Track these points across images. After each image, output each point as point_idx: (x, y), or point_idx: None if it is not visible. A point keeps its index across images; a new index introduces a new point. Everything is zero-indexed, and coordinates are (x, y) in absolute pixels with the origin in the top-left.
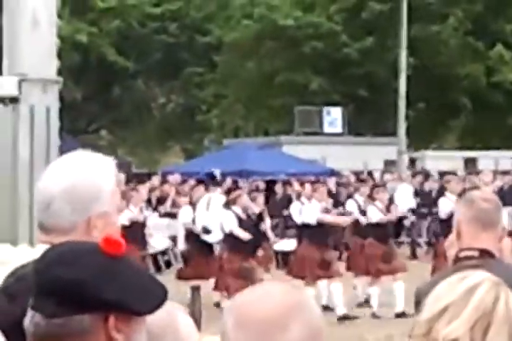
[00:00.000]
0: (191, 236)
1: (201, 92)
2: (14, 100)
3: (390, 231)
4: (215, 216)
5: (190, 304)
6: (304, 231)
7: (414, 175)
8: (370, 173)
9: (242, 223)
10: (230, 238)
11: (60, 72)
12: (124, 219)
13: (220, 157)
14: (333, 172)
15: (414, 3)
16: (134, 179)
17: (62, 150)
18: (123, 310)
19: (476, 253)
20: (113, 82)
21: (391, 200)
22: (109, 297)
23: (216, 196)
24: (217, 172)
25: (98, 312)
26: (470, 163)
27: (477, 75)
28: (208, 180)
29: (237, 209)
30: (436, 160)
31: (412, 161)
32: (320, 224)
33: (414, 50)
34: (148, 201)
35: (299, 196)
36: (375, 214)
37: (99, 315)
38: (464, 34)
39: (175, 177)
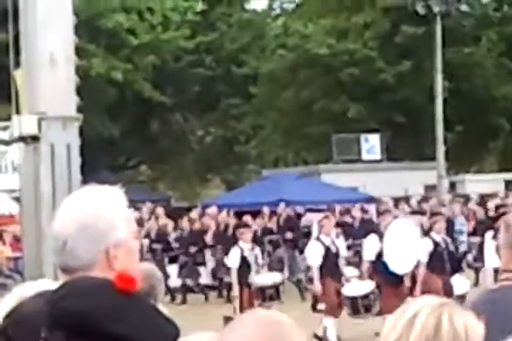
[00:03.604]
0: (378, 268)
1: (239, 124)
2: (35, 138)
3: None
4: (408, 244)
5: None
6: None
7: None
8: (407, 199)
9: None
10: (431, 260)
11: (80, 110)
12: (312, 260)
13: (259, 187)
14: (372, 199)
15: (447, 25)
16: (174, 213)
17: None
18: None
19: (511, 275)
20: (150, 116)
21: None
22: (117, 331)
23: (404, 222)
24: None
25: None
26: (510, 186)
27: None
28: None
29: (436, 235)
30: (477, 183)
31: (453, 185)
32: None
33: (449, 73)
34: (191, 234)
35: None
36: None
37: None
38: (498, 55)
39: (212, 210)
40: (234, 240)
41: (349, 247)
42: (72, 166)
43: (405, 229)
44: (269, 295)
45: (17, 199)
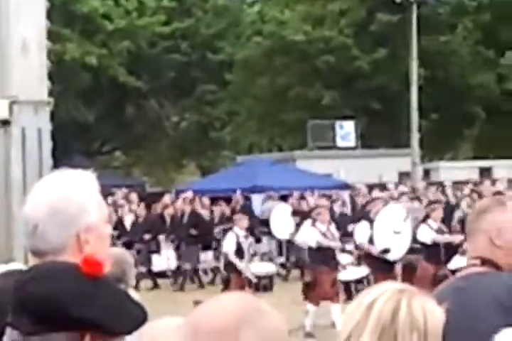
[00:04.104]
0: (370, 255)
1: (214, 110)
2: (6, 122)
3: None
4: (397, 230)
5: None
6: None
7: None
8: (383, 185)
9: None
10: (427, 248)
11: (53, 94)
12: (312, 240)
13: (233, 173)
14: (346, 186)
15: (423, 13)
16: (148, 198)
17: None
18: (99, 329)
19: (477, 262)
20: (125, 102)
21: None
22: (82, 316)
23: (395, 208)
24: None
25: (74, 331)
26: (485, 173)
27: (489, 84)
28: None
29: (433, 223)
30: (451, 170)
31: (427, 172)
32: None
33: (424, 60)
34: (162, 219)
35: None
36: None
37: (76, 334)
38: (473, 43)
39: (187, 195)
40: (189, 227)
41: None
42: (43, 150)
43: (396, 215)
44: (263, 285)
45: None
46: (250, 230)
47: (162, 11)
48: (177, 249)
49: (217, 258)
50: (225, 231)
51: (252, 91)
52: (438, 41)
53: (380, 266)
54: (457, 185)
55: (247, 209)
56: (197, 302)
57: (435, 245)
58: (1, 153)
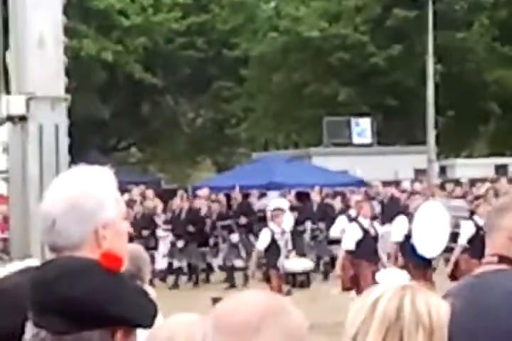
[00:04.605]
0: (406, 250)
1: (230, 106)
2: (22, 118)
3: None
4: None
5: None
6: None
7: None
8: (397, 183)
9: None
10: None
11: (70, 90)
12: (347, 241)
13: (249, 170)
14: (362, 183)
15: (439, 9)
16: (164, 195)
17: None
18: (127, 324)
19: (494, 259)
20: (141, 98)
21: None
22: (115, 313)
23: (434, 205)
24: None
25: (106, 327)
26: (501, 170)
27: (505, 80)
28: None
29: (479, 219)
30: (467, 167)
31: (443, 169)
32: None
33: (441, 57)
34: (178, 216)
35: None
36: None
37: (108, 330)
38: (490, 40)
39: (204, 192)
40: (186, 224)
41: (303, 231)
42: (60, 147)
43: (435, 212)
44: (300, 281)
45: (7, 180)
46: (249, 227)
47: (178, 7)
48: (173, 245)
49: (214, 255)
50: (223, 228)
51: (268, 88)
52: (454, 38)
53: (416, 264)
54: (474, 182)
55: (245, 207)
56: (215, 299)
57: (477, 240)
58: (17, 149)
